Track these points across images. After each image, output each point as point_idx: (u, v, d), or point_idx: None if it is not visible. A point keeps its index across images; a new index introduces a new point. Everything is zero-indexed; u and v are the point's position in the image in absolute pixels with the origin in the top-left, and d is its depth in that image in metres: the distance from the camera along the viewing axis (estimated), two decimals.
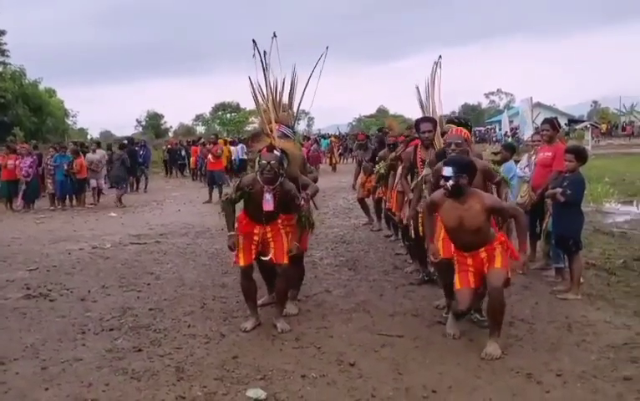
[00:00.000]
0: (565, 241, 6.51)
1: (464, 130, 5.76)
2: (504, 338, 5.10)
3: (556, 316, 5.87)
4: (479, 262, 5.03)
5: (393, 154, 8.73)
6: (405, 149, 8.47)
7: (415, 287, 7.00)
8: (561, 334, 5.36)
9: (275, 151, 5.38)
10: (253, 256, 5.61)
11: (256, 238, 5.57)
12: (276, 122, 6.20)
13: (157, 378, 4.55)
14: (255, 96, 6.19)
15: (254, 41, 5.88)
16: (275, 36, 5.93)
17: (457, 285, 5.12)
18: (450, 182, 4.87)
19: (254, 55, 5.91)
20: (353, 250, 9.43)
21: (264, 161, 5.32)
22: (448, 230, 5.14)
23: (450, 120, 6.43)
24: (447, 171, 4.89)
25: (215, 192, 16.65)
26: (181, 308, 6.36)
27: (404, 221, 7.34)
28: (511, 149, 9.05)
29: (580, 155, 6.58)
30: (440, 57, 6.85)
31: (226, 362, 4.83)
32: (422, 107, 7.08)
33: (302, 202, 5.65)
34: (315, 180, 6.56)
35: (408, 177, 7.09)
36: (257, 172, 5.40)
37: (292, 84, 6.43)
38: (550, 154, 7.57)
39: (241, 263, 5.54)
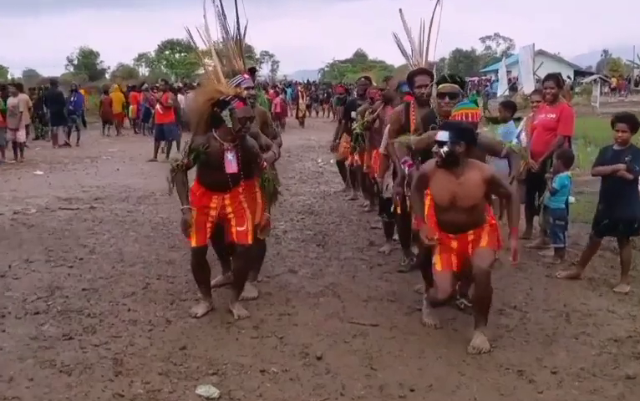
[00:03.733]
0: (630, 223, 6.39)
1: (471, 110, 5.54)
2: (493, 329, 5.24)
3: (552, 303, 6.03)
4: (464, 245, 5.11)
5: (369, 112, 8.77)
6: (383, 107, 8.52)
7: (392, 268, 7.10)
8: (558, 325, 5.52)
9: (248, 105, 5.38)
10: (208, 235, 5.58)
11: (213, 213, 5.51)
12: (237, 71, 6.19)
13: (91, 371, 4.56)
14: (207, 38, 6.14)
15: None
16: None
17: (437, 266, 5.16)
18: (445, 148, 4.88)
19: None
20: (322, 222, 9.50)
21: (243, 116, 5.26)
22: (437, 208, 5.17)
23: (442, 79, 6.33)
24: (441, 135, 4.91)
25: (163, 150, 16.53)
26: (120, 289, 6.35)
27: (384, 190, 7.38)
28: (512, 108, 9.16)
29: (634, 124, 6.38)
30: None
31: (172, 353, 4.86)
32: (405, 55, 7.02)
33: (264, 163, 5.65)
34: (279, 145, 6.53)
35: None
36: (215, 129, 5.33)
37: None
38: (554, 115, 7.69)
39: (193, 243, 5.49)
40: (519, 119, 8.86)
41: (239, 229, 5.54)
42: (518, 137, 8.24)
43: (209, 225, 5.54)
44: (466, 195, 4.94)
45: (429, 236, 5.19)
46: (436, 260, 5.17)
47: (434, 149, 4.98)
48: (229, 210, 5.53)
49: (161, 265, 7.19)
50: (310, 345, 5.04)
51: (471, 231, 5.07)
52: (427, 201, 5.44)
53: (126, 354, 4.84)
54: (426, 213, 5.42)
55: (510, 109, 9.01)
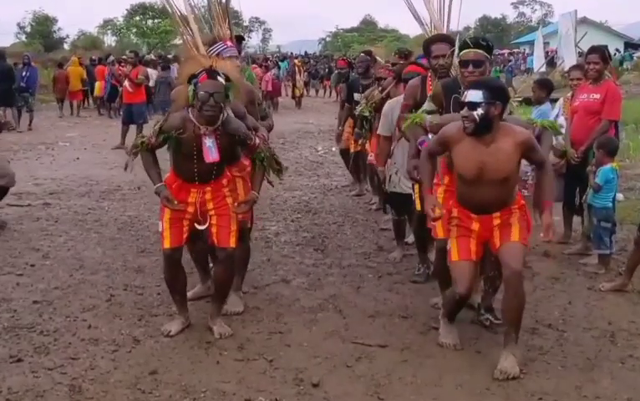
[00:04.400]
0: None
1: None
2: (524, 351, 5.24)
3: (594, 321, 6.04)
4: (487, 229, 5.13)
5: (379, 92, 8.78)
6: (395, 84, 8.53)
7: (404, 278, 7.12)
8: (602, 347, 5.53)
9: (218, 77, 5.28)
10: (184, 236, 5.57)
11: (190, 209, 5.49)
12: (219, 38, 6.19)
13: (43, 400, 4.56)
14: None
15: None
16: None
17: (453, 255, 5.18)
18: (479, 111, 4.84)
19: None
20: (321, 223, 9.53)
21: (204, 92, 5.19)
22: (460, 181, 5.17)
23: (464, 44, 6.31)
24: (473, 95, 4.87)
25: (132, 134, 16.50)
26: (79, 301, 6.36)
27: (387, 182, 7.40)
28: (548, 87, 9.18)
29: None
30: None
31: (140, 379, 4.87)
32: (420, 22, 7.01)
33: (257, 141, 5.59)
34: (269, 129, 6.54)
35: None
36: (190, 108, 5.33)
37: None
38: (598, 96, 7.71)
39: (166, 245, 5.49)
40: (556, 101, 8.87)
41: (220, 229, 5.52)
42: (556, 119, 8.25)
43: (185, 223, 5.52)
44: (497, 166, 4.92)
45: (435, 208, 5.16)
46: (452, 246, 5.19)
47: (464, 112, 4.91)
48: (210, 206, 5.51)
49: (128, 273, 7.21)
50: (305, 369, 5.05)
51: (497, 213, 5.08)
52: (441, 187, 5.55)
53: (85, 379, 4.85)
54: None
55: (545, 88, 9.02)
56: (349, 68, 13.63)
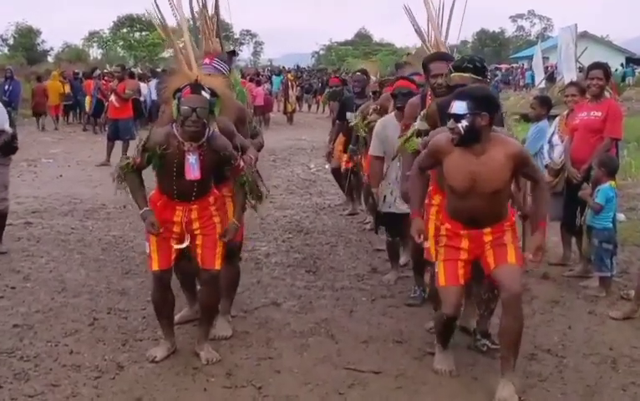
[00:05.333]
0: None
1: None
2: (522, 377, 5.25)
3: (595, 346, 6.05)
4: (478, 246, 5.11)
5: (374, 108, 8.81)
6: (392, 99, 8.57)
7: (399, 301, 7.13)
8: (602, 373, 5.54)
9: (203, 92, 5.28)
10: (173, 256, 5.55)
11: (176, 229, 5.49)
12: (206, 53, 6.21)
13: None
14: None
15: None
16: None
17: (440, 280, 5.18)
18: (464, 123, 4.86)
19: None
20: (313, 243, 9.55)
21: (186, 107, 5.20)
22: (451, 194, 5.17)
23: (458, 67, 6.35)
24: (458, 107, 4.90)
25: (119, 150, 16.50)
26: (61, 325, 6.35)
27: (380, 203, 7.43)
28: (548, 104, 9.23)
29: None
30: None
31: None
32: (420, 35, 7.07)
33: (242, 163, 5.60)
34: (259, 148, 6.55)
35: None
36: (174, 124, 5.33)
37: None
38: (599, 113, 7.77)
39: (155, 267, 5.48)
40: (554, 118, 8.92)
41: (205, 249, 5.51)
42: (550, 141, 8.30)
43: (173, 243, 5.51)
44: (489, 177, 4.92)
45: (420, 233, 5.34)
46: (439, 270, 5.20)
47: (450, 124, 4.94)
48: (196, 225, 5.50)
49: (112, 295, 7.20)
50: (295, 397, 5.06)
51: (489, 228, 5.07)
52: (434, 203, 5.58)
53: None
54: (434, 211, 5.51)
55: (545, 105, 9.06)
56: (342, 85, 13.60)
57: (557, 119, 8.74)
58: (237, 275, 6.49)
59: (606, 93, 8.07)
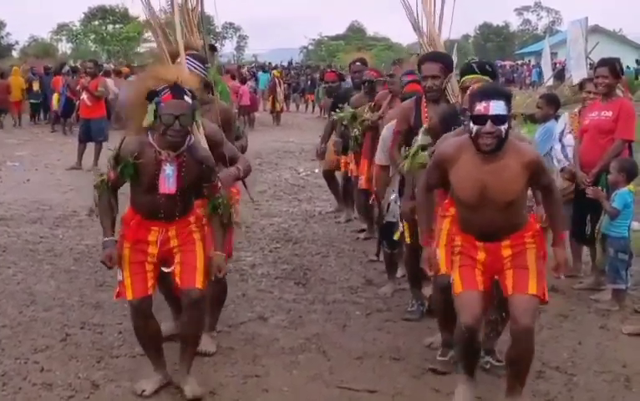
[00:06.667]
0: None
1: None
2: (529, 397, 5.27)
3: (607, 363, 6.09)
4: (496, 260, 4.95)
5: (370, 109, 8.83)
6: (390, 100, 8.63)
7: (395, 315, 7.16)
8: (615, 392, 5.59)
9: (186, 96, 5.06)
10: (150, 283, 5.26)
11: (151, 250, 5.23)
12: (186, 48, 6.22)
13: None
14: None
15: None
16: None
17: (456, 287, 4.99)
18: (505, 125, 4.69)
19: None
20: (302, 253, 9.58)
21: (168, 113, 4.98)
22: (460, 205, 5.04)
23: (467, 69, 6.32)
24: (498, 107, 4.66)
25: (91, 154, 16.55)
26: (30, 341, 6.36)
27: (385, 211, 7.45)
28: (556, 103, 9.28)
29: None
30: None
31: None
32: (417, 29, 7.11)
33: (219, 184, 5.40)
34: (243, 150, 6.53)
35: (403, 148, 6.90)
36: (150, 131, 5.12)
37: None
38: (609, 113, 7.80)
39: (129, 296, 5.21)
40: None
41: (184, 266, 5.25)
42: (560, 139, 8.34)
43: (150, 267, 5.26)
44: (502, 187, 4.76)
45: (432, 263, 5.20)
46: (455, 277, 5.01)
47: (488, 128, 4.65)
48: (174, 243, 5.28)
49: (86, 309, 7.21)
50: None
51: (507, 241, 4.91)
52: (446, 219, 5.37)
53: None
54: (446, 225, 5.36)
55: (553, 104, 9.10)
56: (339, 80, 13.35)
57: (566, 114, 8.77)
58: (224, 291, 6.43)
59: (619, 92, 8.11)
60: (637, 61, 44.13)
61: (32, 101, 27.56)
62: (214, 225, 5.38)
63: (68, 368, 5.80)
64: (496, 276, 5.02)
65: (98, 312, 7.12)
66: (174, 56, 6.09)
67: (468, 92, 5.54)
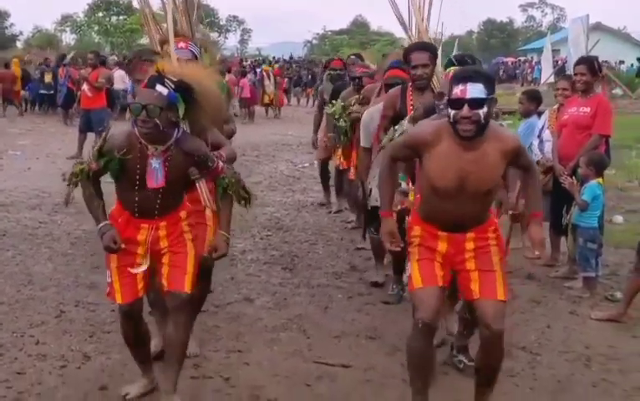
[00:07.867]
0: None
1: None
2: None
3: (572, 344, 6.44)
4: (457, 252, 4.77)
5: (356, 102, 9.11)
6: (378, 94, 8.88)
7: (376, 298, 7.49)
8: (575, 370, 5.92)
9: (159, 86, 4.69)
10: (140, 286, 4.98)
11: (140, 251, 4.93)
12: (177, 36, 6.29)
13: None
14: None
15: None
16: None
17: (415, 281, 4.76)
18: (484, 109, 4.41)
19: None
20: (292, 241, 9.90)
21: (137, 104, 4.66)
22: (432, 193, 4.74)
23: (448, 63, 6.53)
24: (476, 90, 4.39)
25: (91, 142, 16.65)
26: (27, 317, 6.67)
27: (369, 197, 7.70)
28: (537, 100, 9.59)
29: None
30: None
31: (89, 394, 5.22)
32: (402, 23, 7.28)
33: (221, 164, 5.00)
34: (230, 135, 6.60)
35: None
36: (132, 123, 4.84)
37: None
38: (588, 109, 8.12)
39: (119, 300, 4.94)
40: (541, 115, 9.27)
41: (173, 268, 4.94)
42: (540, 135, 8.67)
43: (138, 266, 4.96)
44: (482, 175, 4.55)
45: (392, 235, 4.94)
46: (413, 271, 4.79)
47: (465, 112, 4.39)
48: (163, 244, 4.96)
49: (80, 289, 7.51)
50: (262, 387, 5.40)
51: (471, 233, 4.74)
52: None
53: (31, 394, 5.17)
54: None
55: (534, 100, 9.39)
56: (345, 69, 13.20)
57: (547, 112, 9.10)
58: (206, 291, 6.08)
59: (597, 90, 8.43)
60: (638, 59, 43.99)
61: (42, 92, 27.74)
62: (224, 205, 5.09)
63: (61, 342, 6.12)
64: (455, 270, 4.85)
65: (92, 291, 7.40)
66: (163, 44, 6.17)
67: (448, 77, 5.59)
